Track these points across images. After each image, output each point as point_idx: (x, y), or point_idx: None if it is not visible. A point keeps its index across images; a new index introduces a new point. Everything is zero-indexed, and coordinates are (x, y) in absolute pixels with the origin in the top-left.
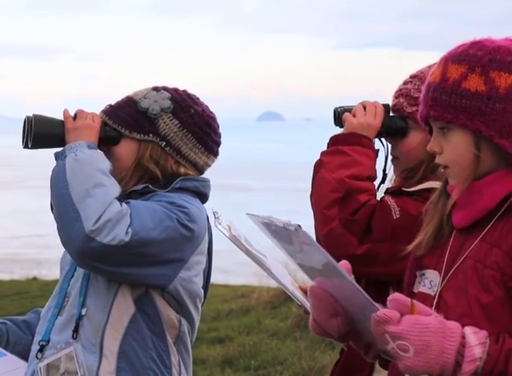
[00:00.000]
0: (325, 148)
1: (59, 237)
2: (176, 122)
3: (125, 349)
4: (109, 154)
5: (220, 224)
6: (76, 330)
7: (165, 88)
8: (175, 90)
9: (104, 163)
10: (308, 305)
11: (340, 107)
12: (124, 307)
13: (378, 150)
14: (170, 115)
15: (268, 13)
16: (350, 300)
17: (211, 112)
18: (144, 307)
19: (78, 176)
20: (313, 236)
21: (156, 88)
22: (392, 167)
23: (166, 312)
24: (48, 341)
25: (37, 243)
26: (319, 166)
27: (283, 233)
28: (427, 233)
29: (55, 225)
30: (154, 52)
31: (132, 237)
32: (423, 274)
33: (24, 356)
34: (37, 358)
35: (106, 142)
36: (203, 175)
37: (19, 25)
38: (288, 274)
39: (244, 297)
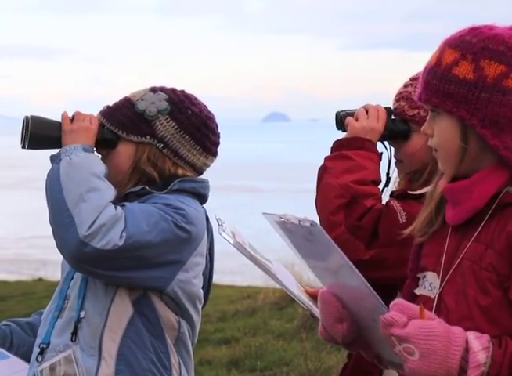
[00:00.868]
0: (329, 150)
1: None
2: (173, 124)
3: (124, 352)
4: (106, 157)
5: (224, 231)
6: (75, 333)
7: (162, 89)
8: (173, 91)
9: (99, 166)
10: (314, 308)
11: (341, 111)
12: (122, 309)
13: (381, 153)
14: (167, 117)
15: (273, 14)
16: (360, 303)
17: (209, 112)
18: (142, 309)
19: (72, 180)
20: None
21: (153, 89)
22: (396, 170)
23: (165, 314)
24: (49, 343)
25: (43, 244)
26: (323, 171)
27: (297, 231)
28: (420, 219)
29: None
30: (159, 53)
31: (127, 241)
32: (424, 276)
33: (28, 357)
34: (38, 361)
35: (104, 144)
36: (204, 176)
37: (24, 25)
38: (294, 278)
39: (250, 298)
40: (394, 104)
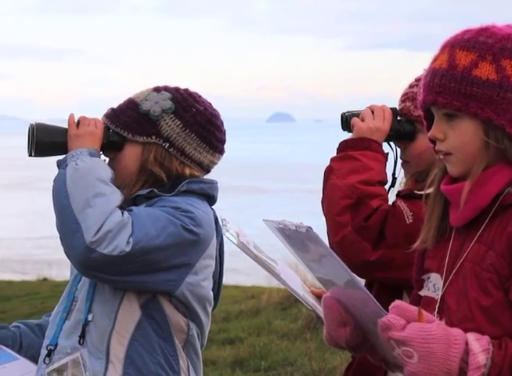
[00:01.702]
0: (335, 149)
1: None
2: (178, 122)
3: (131, 355)
4: (114, 159)
5: (228, 231)
6: (83, 336)
7: (166, 88)
8: (176, 90)
9: (105, 171)
10: (318, 309)
11: (347, 112)
12: (130, 313)
13: (387, 153)
14: (172, 116)
15: (277, 15)
16: (361, 308)
17: (214, 109)
18: (151, 312)
19: (78, 186)
20: (325, 240)
21: (157, 89)
22: (401, 170)
23: (174, 317)
24: (56, 345)
25: (49, 244)
26: (329, 172)
27: (296, 237)
28: (430, 230)
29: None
30: (165, 53)
31: (134, 247)
32: (429, 278)
33: (37, 359)
34: (45, 363)
35: (110, 147)
36: (211, 176)
37: (29, 26)
38: (299, 278)
39: (254, 298)
40: (399, 105)
